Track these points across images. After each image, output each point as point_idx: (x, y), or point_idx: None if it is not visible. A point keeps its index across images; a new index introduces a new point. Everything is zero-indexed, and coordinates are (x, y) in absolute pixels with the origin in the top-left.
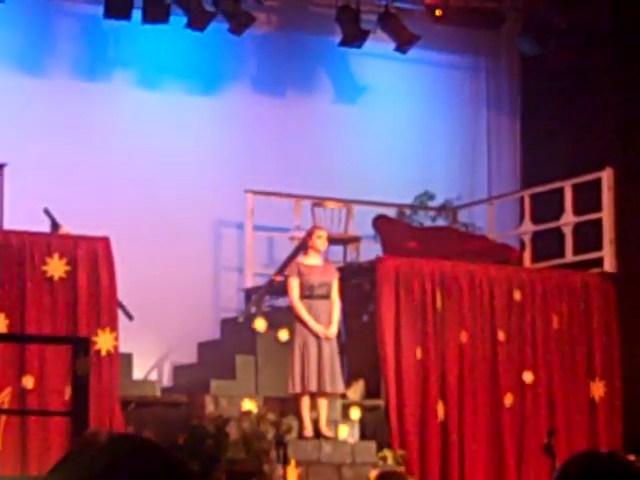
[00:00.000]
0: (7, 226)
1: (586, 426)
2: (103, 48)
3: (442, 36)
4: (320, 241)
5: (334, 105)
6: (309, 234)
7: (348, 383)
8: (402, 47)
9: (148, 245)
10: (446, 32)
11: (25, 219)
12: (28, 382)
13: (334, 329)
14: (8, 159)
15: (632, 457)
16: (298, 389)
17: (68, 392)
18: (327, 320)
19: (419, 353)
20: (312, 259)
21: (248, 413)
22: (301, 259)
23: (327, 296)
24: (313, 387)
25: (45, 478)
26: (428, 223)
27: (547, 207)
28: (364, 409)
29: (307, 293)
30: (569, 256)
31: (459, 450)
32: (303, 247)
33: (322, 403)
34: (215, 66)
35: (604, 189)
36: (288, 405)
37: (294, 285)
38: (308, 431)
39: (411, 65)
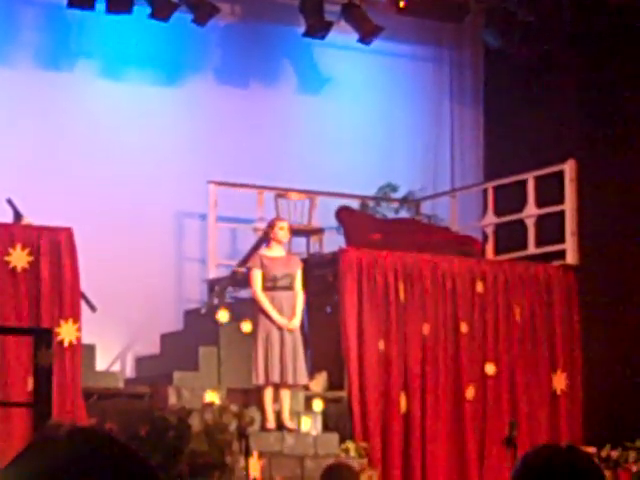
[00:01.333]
0: None
1: (547, 418)
2: (66, 38)
3: (406, 28)
4: (282, 232)
5: (297, 96)
6: (271, 226)
7: (311, 375)
8: (366, 38)
9: (111, 236)
10: (410, 24)
11: None
12: None
13: (297, 321)
14: None
15: (591, 449)
16: (261, 381)
17: (31, 383)
18: (290, 312)
19: (382, 345)
20: (275, 251)
21: (211, 405)
22: (264, 251)
23: (290, 287)
24: (276, 378)
25: (4, 470)
26: (391, 215)
27: (510, 199)
28: (327, 401)
29: (270, 285)
30: (531, 248)
31: (421, 442)
32: (266, 239)
33: (285, 395)
34: (178, 57)
35: (566, 181)
36: (251, 397)
37: (257, 277)
38: (270, 423)
39: (374, 56)
